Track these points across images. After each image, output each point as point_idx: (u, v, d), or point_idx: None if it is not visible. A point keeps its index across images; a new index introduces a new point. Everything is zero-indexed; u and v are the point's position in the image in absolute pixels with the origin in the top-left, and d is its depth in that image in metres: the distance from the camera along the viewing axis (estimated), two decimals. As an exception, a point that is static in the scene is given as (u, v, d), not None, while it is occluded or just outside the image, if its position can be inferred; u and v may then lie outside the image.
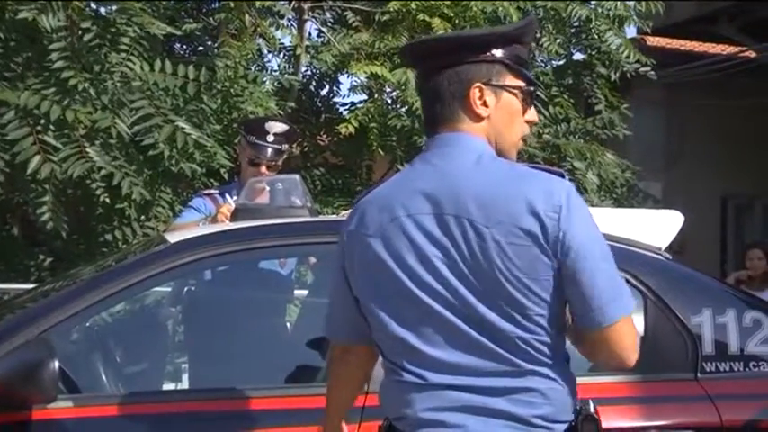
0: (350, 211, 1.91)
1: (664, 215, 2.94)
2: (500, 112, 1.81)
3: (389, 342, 1.78)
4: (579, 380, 2.45)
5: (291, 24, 7.25)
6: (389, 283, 1.74)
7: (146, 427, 2.36)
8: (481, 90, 1.79)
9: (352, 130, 6.47)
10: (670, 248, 2.85)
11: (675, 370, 2.51)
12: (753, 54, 9.66)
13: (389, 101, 6.98)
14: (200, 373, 3.45)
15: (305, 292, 4.56)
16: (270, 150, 3.73)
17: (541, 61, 7.66)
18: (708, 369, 2.49)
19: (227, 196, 3.78)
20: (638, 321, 2.59)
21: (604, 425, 2.31)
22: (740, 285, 5.98)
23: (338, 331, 1.95)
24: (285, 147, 3.82)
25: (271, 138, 3.73)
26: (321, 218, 3.47)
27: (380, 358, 1.85)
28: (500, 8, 6.62)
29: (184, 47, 7.58)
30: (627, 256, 2.64)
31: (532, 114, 1.88)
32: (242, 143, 3.87)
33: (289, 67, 7.34)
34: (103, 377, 2.95)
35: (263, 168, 3.71)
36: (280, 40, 7.25)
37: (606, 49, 7.21)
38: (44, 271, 5.91)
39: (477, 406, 1.69)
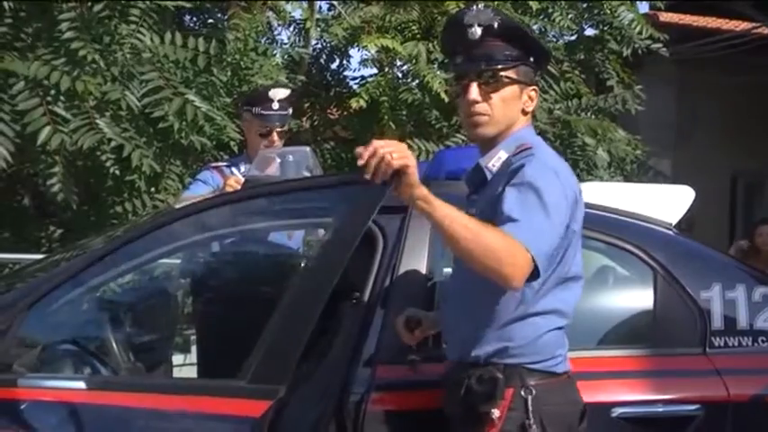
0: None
1: (675, 190, 2.93)
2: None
3: None
4: (588, 354, 2.48)
5: (302, -3, 7.22)
6: None
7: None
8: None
9: (362, 103, 6.45)
10: (679, 226, 2.84)
11: (684, 344, 2.52)
12: (766, 31, 9.56)
13: (400, 75, 6.95)
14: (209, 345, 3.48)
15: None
16: (277, 116, 3.74)
17: (553, 36, 7.60)
18: (716, 344, 2.49)
19: (235, 169, 3.78)
20: (648, 296, 2.60)
21: (612, 399, 2.36)
22: (745, 257, 5.92)
23: (546, 261, 2.00)
24: (290, 110, 3.85)
25: (276, 105, 3.73)
26: None
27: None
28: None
29: (194, 19, 7.55)
30: (637, 231, 2.64)
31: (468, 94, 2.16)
32: (247, 118, 3.86)
33: (299, 40, 7.30)
34: (114, 347, 2.97)
35: (275, 136, 3.71)
36: (290, 12, 7.21)
37: (618, 25, 7.15)
38: (54, 242, 5.93)
39: None
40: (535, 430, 2.02)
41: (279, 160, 3.21)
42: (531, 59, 2.19)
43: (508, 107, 2.16)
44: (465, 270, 2.06)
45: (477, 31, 2.11)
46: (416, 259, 2.56)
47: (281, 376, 2.32)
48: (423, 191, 1.94)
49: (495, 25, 2.12)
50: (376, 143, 1.95)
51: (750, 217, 10.32)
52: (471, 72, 2.14)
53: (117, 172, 5.30)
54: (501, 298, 2.07)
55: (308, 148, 3.28)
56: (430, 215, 1.94)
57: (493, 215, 2.02)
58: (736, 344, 2.49)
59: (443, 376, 2.19)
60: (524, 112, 2.21)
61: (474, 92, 2.13)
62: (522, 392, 2.03)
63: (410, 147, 7.07)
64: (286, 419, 2.83)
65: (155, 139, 5.40)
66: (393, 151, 1.92)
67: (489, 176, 2.17)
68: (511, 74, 2.15)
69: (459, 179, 2.83)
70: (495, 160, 2.16)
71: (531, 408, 2.02)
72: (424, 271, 2.56)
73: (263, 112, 3.73)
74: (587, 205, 2.88)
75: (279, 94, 3.78)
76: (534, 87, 2.22)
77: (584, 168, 6.85)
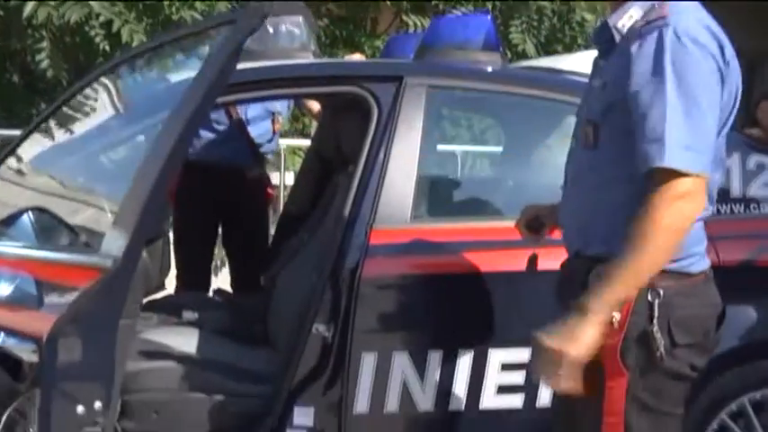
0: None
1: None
2: None
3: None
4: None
5: None
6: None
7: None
8: None
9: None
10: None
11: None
12: None
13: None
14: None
15: (307, 141, 4.55)
16: None
17: None
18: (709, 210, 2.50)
19: None
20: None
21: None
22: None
23: (707, 161, 1.69)
24: None
25: None
26: None
27: None
28: None
29: None
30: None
31: None
32: None
33: None
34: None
35: None
36: None
37: None
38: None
39: None
40: (660, 338, 1.72)
41: (271, 30, 3.14)
42: None
43: None
44: (587, 152, 1.82)
45: None
46: (411, 128, 2.54)
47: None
48: (592, 305, 1.66)
49: None
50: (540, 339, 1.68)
51: (750, 95, 10.21)
52: None
53: (106, 48, 5.21)
54: (629, 187, 1.75)
55: (300, 18, 3.19)
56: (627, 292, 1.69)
57: (620, 93, 1.74)
58: (728, 210, 2.51)
59: (560, 267, 1.96)
60: None
61: None
62: (649, 296, 1.72)
63: (405, 24, 7.04)
64: (281, 286, 2.88)
65: (145, 14, 5.29)
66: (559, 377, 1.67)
67: (618, 38, 1.82)
68: None
69: (457, 48, 2.80)
70: (626, 19, 1.81)
71: (656, 313, 1.73)
72: (419, 140, 2.54)
73: None
74: (579, 74, 2.86)
75: None
76: None
77: (582, 44, 6.75)
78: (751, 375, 2.47)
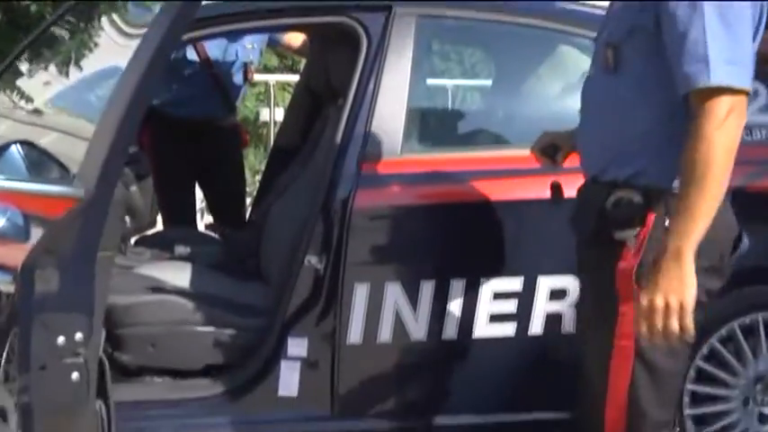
0: None
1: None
2: None
3: None
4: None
5: None
6: None
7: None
8: None
9: None
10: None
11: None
12: None
13: None
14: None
15: (296, 76, 4.50)
16: None
17: None
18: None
19: None
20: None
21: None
22: None
23: (749, 75, 1.66)
24: None
25: None
26: None
27: None
28: None
29: None
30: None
31: None
32: None
33: None
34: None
35: None
36: None
37: None
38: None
39: None
40: None
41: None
42: None
43: None
44: (607, 77, 1.79)
45: None
46: (401, 57, 2.51)
47: None
48: (685, 246, 1.61)
49: None
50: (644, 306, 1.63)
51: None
52: None
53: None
54: (649, 111, 1.75)
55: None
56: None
57: (646, 15, 1.70)
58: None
59: (577, 193, 1.93)
60: None
61: None
62: (666, 220, 1.71)
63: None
64: (273, 220, 2.88)
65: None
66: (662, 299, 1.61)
67: None
68: None
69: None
70: None
71: None
72: (409, 70, 2.52)
73: None
74: (577, 3, 2.82)
75: None
76: None
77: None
78: (741, 301, 2.50)
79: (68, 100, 2.68)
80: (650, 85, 1.72)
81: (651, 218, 1.73)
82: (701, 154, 1.61)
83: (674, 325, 1.60)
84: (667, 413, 1.84)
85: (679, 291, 1.60)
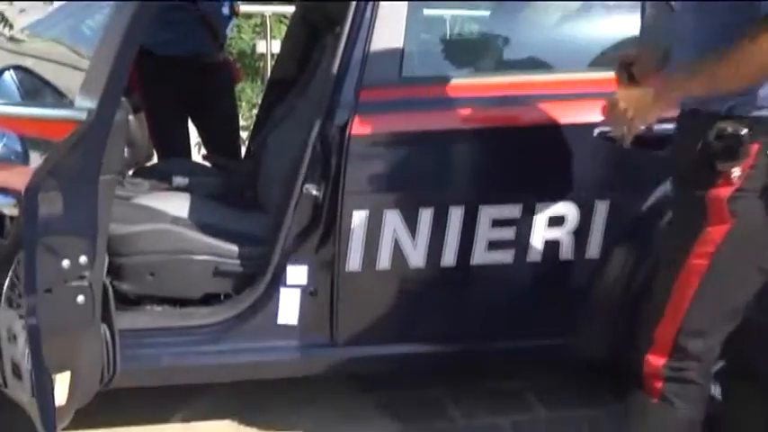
0: None
1: None
2: None
3: None
4: (578, 75, 2.43)
5: None
6: None
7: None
8: None
9: None
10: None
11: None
12: None
13: None
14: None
15: (291, 7, 4.43)
16: None
17: None
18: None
19: None
20: (637, 21, 2.55)
21: (594, 119, 2.32)
22: None
23: None
24: None
25: None
26: None
27: None
28: None
29: None
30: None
31: None
32: None
33: None
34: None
35: None
36: None
37: None
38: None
39: None
40: None
41: None
42: None
43: None
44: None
45: None
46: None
47: None
48: (672, 88, 1.79)
49: None
50: (614, 100, 1.83)
51: None
52: None
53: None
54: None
55: None
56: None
57: None
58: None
59: (675, 125, 1.93)
60: None
61: None
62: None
63: None
64: (270, 150, 2.88)
65: None
66: (630, 110, 1.80)
67: None
68: None
69: None
70: None
71: None
72: (405, -4, 2.48)
73: None
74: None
75: None
76: None
77: None
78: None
79: (44, 27, 2.64)
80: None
81: (755, 148, 1.75)
82: (744, 53, 1.66)
83: (622, 128, 1.82)
84: (716, 339, 1.87)
85: (641, 113, 1.79)
